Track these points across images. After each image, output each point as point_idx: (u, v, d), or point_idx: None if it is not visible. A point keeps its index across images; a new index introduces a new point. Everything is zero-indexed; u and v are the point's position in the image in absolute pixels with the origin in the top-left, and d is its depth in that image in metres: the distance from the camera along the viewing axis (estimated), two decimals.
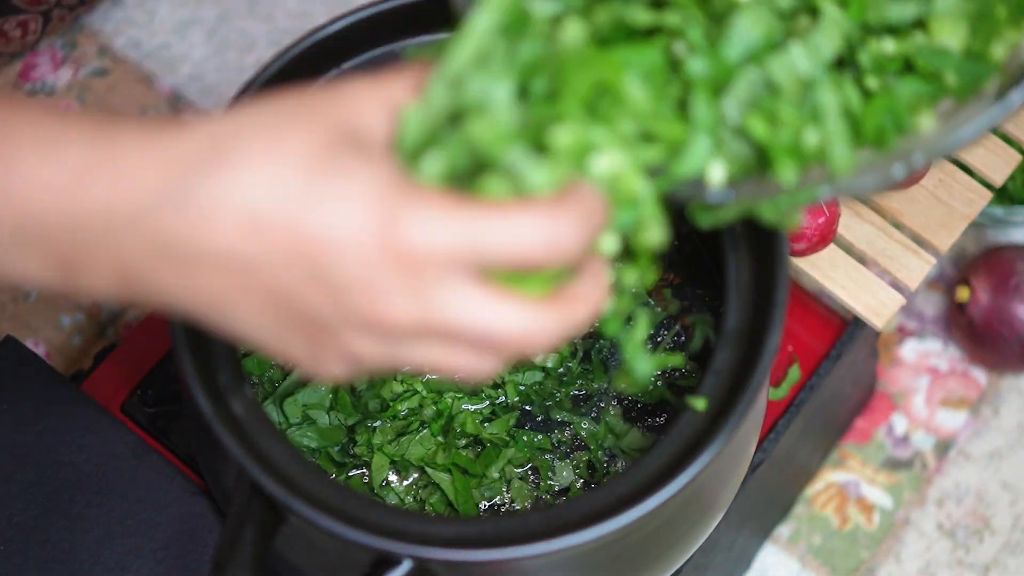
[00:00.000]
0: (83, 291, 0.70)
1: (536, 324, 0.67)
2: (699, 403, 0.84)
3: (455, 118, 0.67)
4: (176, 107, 1.31)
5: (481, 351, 0.68)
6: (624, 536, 0.83)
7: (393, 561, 0.80)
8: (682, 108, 0.71)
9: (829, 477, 1.21)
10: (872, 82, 0.73)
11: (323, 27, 0.90)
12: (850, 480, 1.21)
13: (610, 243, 0.69)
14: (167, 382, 1.04)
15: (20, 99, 0.69)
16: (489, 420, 0.97)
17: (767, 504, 1.16)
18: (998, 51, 0.73)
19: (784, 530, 1.20)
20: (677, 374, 0.96)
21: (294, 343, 0.70)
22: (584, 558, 0.84)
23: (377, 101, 0.68)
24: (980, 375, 1.24)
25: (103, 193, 0.67)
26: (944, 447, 1.22)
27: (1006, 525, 1.20)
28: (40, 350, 1.24)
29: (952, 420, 1.23)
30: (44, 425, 0.99)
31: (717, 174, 0.71)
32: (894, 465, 1.22)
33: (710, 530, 0.93)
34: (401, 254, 0.65)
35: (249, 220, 0.66)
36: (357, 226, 0.65)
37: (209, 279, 0.67)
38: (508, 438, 0.96)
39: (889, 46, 0.73)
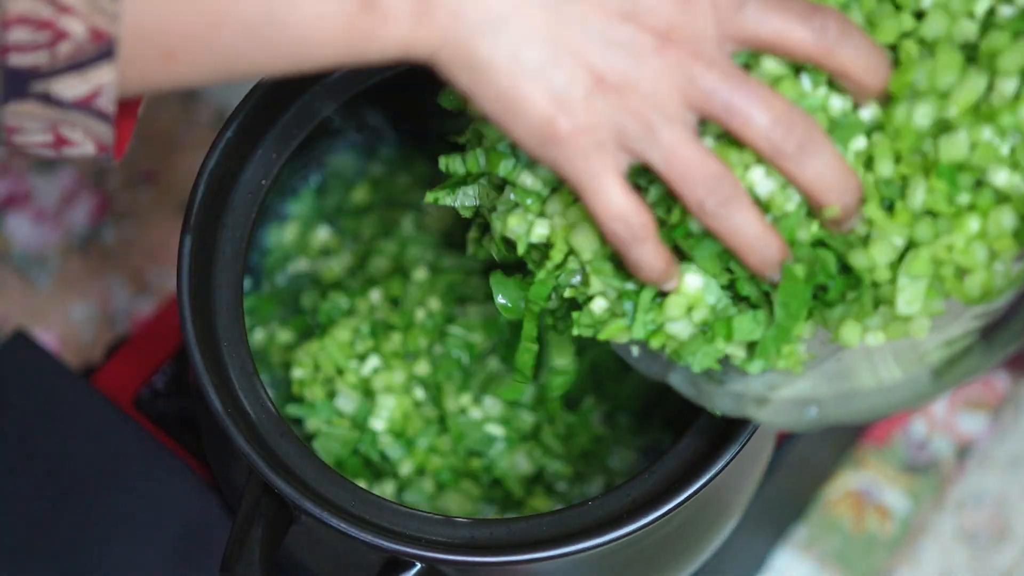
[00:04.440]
0: (375, 32, 0.67)
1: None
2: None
3: None
4: (190, 99, 1.31)
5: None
6: (639, 540, 0.82)
7: (404, 563, 0.80)
8: None
9: (847, 480, 1.21)
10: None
11: None
12: (868, 483, 1.21)
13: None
14: (178, 377, 1.04)
15: None
16: None
17: (783, 506, 1.15)
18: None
19: (800, 533, 1.19)
20: None
21: (577, 61, 0.68)
22: (597, 562, 0.83)
23: None
24: (1002, 379, 1.23)
25: None
26: (964, 451, 1.22)
27: None
28: (51, 342, 1.23)
29: (972, 424, 1.22)
30: (54, 420, 0.99)
31: None
32: (913, 469, 1.21)
33: (726, 533, 0.92)
34: None
35: None
36: None
37: None
38: None
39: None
